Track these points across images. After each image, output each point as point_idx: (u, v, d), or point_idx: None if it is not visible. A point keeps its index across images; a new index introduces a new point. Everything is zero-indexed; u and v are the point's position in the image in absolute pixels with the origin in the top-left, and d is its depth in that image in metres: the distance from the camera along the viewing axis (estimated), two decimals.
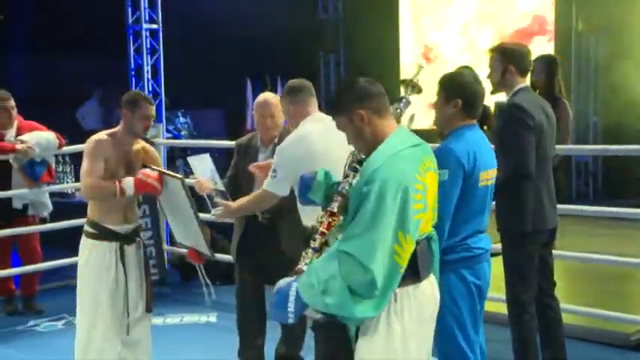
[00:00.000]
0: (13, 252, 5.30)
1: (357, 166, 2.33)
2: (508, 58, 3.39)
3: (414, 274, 2.24)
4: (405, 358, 2.23)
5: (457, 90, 2.84)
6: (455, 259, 2.76)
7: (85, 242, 3.40)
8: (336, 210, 2.32)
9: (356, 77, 2.35)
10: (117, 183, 3.23)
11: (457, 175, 2.73)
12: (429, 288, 2.33)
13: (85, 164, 3.30)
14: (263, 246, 3.51)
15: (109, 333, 3.33)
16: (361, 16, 9.82)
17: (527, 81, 3.52)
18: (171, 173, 3.38)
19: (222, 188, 3.41)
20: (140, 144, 3.47)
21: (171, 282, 5.83)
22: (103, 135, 3.35)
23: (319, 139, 2.94)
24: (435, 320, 2.38)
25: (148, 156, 3.48)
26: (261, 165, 3.27)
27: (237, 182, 3.62)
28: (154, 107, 3.41)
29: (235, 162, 3.68)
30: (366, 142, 2.31)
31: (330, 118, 2.41)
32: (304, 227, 3.05)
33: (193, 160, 3.49)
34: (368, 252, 2.11)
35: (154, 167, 3.40)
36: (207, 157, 3.54)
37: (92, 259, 3.34)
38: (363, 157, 2.33)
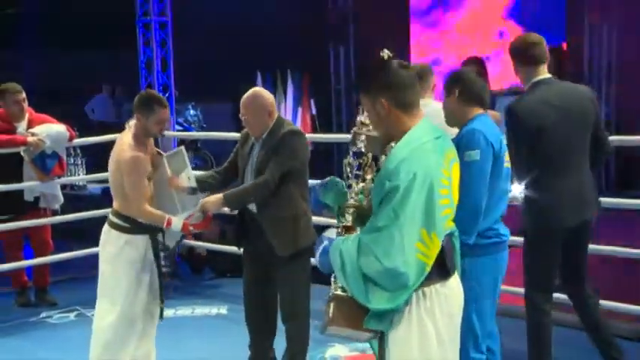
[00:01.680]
0: (25, 244, 5.33)
1: (359, 173, 2.32)
2: (512, 56, 3.32)
3: (443, 271, 2.19)
4: (442, 356, 2.18)
5: (454, 81, 2.93)
6: (487, 245, 2.81)
7: (117, 236, 3.40)
8: (351, 224, 2.30)
9: (390, 60, 2.20)
10: (166, 218, 3.33)
11: (488, 153, 2.79)
12: (455, 284, 2.28)
13: (131, 184, 3.31)
14: (258, 236, 3.49)
15: (140, 326, 3.41)
16: (371, 7, 9.78)
17: (544, 70, 3.32)
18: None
19: (193, 185, 3.42)
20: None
21: (181, 274, 5.85)
22: (135, 150, 3.32)
23: None
24: (461, 315, 2.33)
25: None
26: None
27: (235, 169, 3.59)
28: (168, 109, 3.42)
29: (236, 149, 3.65)
30: (384, 130, 2.25)
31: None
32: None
33: (168, 157, 3.49)
34: (385, 247, 2.07)
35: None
36: (182, 150, 3.54)
37: (127, 253, 3.38)
38: (368, 161, 2.33)
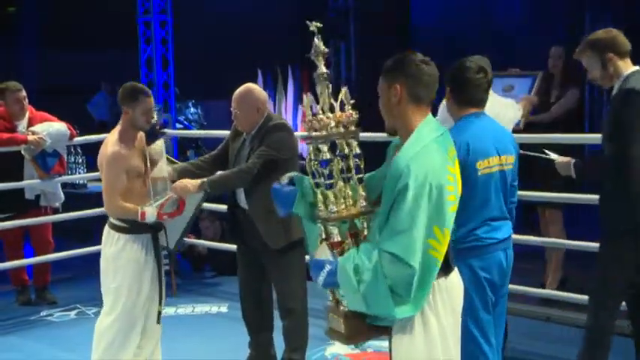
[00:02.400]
0: (26, 243, 5.34)
1: (330, 182, 2.18)
2: (604, 48, 3.07)
3: (445, 265, 2.18)
4: (446, 354, 2.18)
5: (447, 79, 2.86)
6: (464, 249, 2.75)
7: (117, 237, 3.37)
8: (340, 238, 2.22)
9: (414, 54, 2.23)
10: (139, 209, 3.27)
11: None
12: (455, 278, 2.28)
13: (105, 178, 3.31)
14: (251, 232, 3.49)
15: (141, 327, 3.38)
16: (371, 3, 9.76)
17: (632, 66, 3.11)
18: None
19: (164, 174, 3.43)
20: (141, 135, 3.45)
21: (182, 272, 5.85)
22: (116, 145, 3.31)
23: None
24: (461, 309, 2.32)
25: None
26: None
27: (225, 159, 3.60)
28: (152, 98, 3.38)
29: (227, 140, 3.64)
30: (390, 116, 2.24)
31: None
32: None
33: (149, 149, 3.47)
34: (411, 250, 2.06)
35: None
36: (160, 142, 3.54)
37: (127, 253, 3.34)
38: (338, 165, 2.20)
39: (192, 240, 5.99)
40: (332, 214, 2.19)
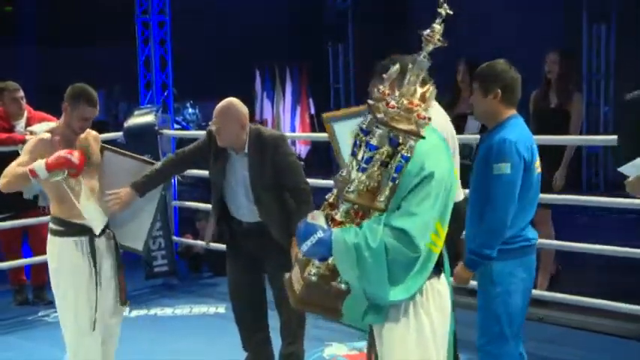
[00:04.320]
0: (24, 242, 5.33)
1: (365, 166, 2.08)
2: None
3: (437, 267, 2.19)
4: (437, 351, 2.18)
5: (494, 80, 2.79)
6: (515, 249, 2.76)
7: (52, 241, 3.25)
8: (341, 219, 2.13)
9: (414, 55, 2.17)
10: (28, 169, 3.02)
11: (519, 167, 2.70)
12: (445, 281, 2.28)
13: (16, 161, 3.17)
14: (255, 241, 3.46)
15: (91, 329, 3.22)
16: (370, 5, 9.77)
17: None
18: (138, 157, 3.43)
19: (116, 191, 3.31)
20: (90, 134, 3.28)
21: (179, 273, 5.85)
22: (44, 135, 3.19)
23: None
24: (450, 313, 2.29)
25: (95, 140, 3.31)
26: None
27: (187, 166, 3.60)
28: (95, 109, 3.16)
29: (199, 148, 3.50)
30: None
31: None
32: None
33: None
34: (422, 232, 2.06)
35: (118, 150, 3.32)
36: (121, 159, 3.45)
37: (64, 259, 3.22)
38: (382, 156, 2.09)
39: (189, 240, 5.99)
40: (350, 192, 2.09)
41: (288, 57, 10.07)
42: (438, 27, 2.08)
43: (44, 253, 5.17)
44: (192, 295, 5.38)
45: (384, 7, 9.72)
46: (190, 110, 10.24)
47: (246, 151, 3.37)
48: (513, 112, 2.83)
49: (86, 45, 10.61)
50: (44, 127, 5.00)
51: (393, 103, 2.04)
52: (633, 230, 5.88)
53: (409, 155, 2.06)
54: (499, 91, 2.78)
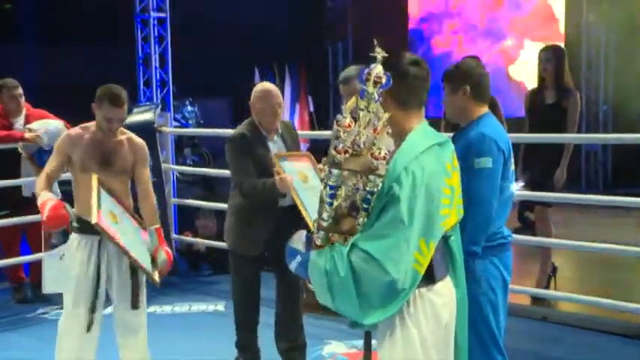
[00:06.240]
0: (23, 240, 5.33)
1: (331, 201, 2.06)
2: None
3: (427, 275, 2.08)
4: (428, 359, 2.10)
5: (462, 77, 2.79)
6: (493, 246, 2.74)
7: (72, 237, 3.30)
8: (320, 243, 2.10)
9: (403, 56, 2.14)
10: (42, 192, 3.16)
11: (499, 160, 2.69)
12: (446, 290, 2.17)
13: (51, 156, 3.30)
14: (288, 235, 3.43)
15: (84, 330, 3.25)
16: (370, 3, 9.77)
17: None
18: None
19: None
20: (125, 134, 3.36)
21: (179, 271, 5.85)
22: (76, 129, 3.29)
23: None
24: (454, 325, 2.23)
25: (132, 147, 3.36)
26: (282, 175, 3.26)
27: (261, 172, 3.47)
28: (119, 110, 3.22)
29: (244, 154, 3.46)
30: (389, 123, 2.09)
31: None
32: None
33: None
34: (393, 257, 1.96)
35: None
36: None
37: (77, 254, 3.25)
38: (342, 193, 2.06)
39: (189, 238, 6.00)
40: (324, 221, 2.08)
41: (288, 55, 10.07)
42: (376, 70, 2.08)
43: (42, 250, 5.25)
44: (191, 292, 5.38)
45: (383, 5, 9.71)
46: (189, 108, 10.23)
47: (281, 131, 3.53)
48: (486, 109, 2.82)
49: (85, 42, 10.60)
50: (43, 125, 5.02)
51: (340, 147, 2.04)
52: (633, 229, 5.89)
53: (374, 190, 2.02)
54: (468, 87, 2.77)
